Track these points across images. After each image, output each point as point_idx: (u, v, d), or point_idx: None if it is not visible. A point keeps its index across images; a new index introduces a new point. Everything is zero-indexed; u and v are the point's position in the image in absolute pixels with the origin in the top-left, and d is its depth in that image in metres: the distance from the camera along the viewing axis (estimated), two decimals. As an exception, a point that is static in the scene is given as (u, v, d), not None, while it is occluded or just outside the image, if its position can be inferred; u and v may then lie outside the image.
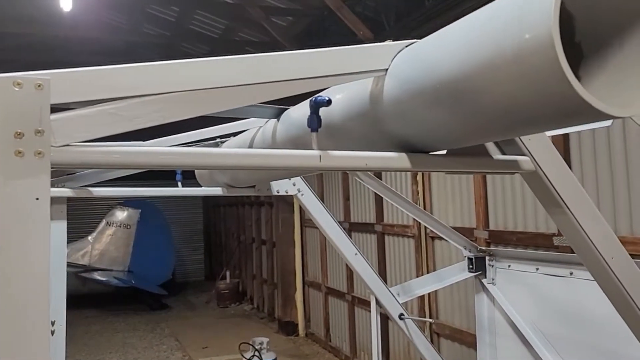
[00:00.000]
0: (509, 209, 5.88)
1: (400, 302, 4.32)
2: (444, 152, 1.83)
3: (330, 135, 1.93)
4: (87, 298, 15.56)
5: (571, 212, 1.92)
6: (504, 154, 1.92)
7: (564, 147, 4.90)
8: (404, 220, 7.95)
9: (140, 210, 16.11)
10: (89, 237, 16.10)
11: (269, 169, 1.67)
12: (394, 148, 1.74)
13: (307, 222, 11.68)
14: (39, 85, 1.26)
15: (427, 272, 6.97)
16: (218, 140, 3.54)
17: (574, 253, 4.20)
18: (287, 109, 2.50)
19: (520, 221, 5.70)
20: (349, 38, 8.23)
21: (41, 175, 1.26)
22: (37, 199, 1.25)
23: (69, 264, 15.44)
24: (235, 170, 3.18)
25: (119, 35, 12.19)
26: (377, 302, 4.28)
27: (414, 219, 6.63)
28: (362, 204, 9.37)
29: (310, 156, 1.60)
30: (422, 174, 7.40)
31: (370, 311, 4.52)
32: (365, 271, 4.19)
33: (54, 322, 3.31)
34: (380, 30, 8.26)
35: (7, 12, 10.18)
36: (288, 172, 2.85)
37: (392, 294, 4.29)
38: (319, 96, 1.62)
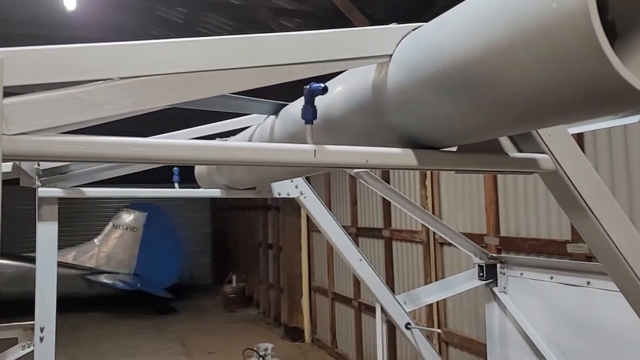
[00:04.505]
0: (520, 214, 5.68)
1: (407, 310, 4.14)
2: (454, 148, 1.65)
3: (329, 130, 1.76)
4: (94, 300, 15.50)
5: (595, 216, 1.74)
6: (520, 151, 1.74)
7: (579, 147, 4.70)
8: (412, 226, 7.76)
9: (147, 214, 16.01)
10: (96, 240, 16.04)
11: (257, 164, 1.50)
12: (398, 143, 1.57)
13: (314, 227, 11.48)
14: (-9, 65, 1.11)
15: (436, 279, 6.78)
16: (218, 138, 3.40)
17: (591, 261, 4.01)
18: (286, 104, 2.35)
19: (533, 227, 5.50)
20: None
21: (-8, 167, 1.11)
22: (-13, 194, 1.10)
23: (76, 267, 15.28)
24: (232, 170, 3.02)
25: (125, 37, 12.05)
26: (383, 310, 4.09)
27: (423, 224, 6.44)
28: (370, 208, 9.18)
29: (303, 151, 1.43)
30: (431, 177, 7.22)
31: (377, 318, 4.33)
32: (371, 278, 4.01)
33: (43, 328, 3.15)
34: (390, 31, 8.10)
35: (9, 13, 10.12)
36: (284, 170, 2.68)
37: (398, 302, 4.10)
38: (314, 83, 1.46)
